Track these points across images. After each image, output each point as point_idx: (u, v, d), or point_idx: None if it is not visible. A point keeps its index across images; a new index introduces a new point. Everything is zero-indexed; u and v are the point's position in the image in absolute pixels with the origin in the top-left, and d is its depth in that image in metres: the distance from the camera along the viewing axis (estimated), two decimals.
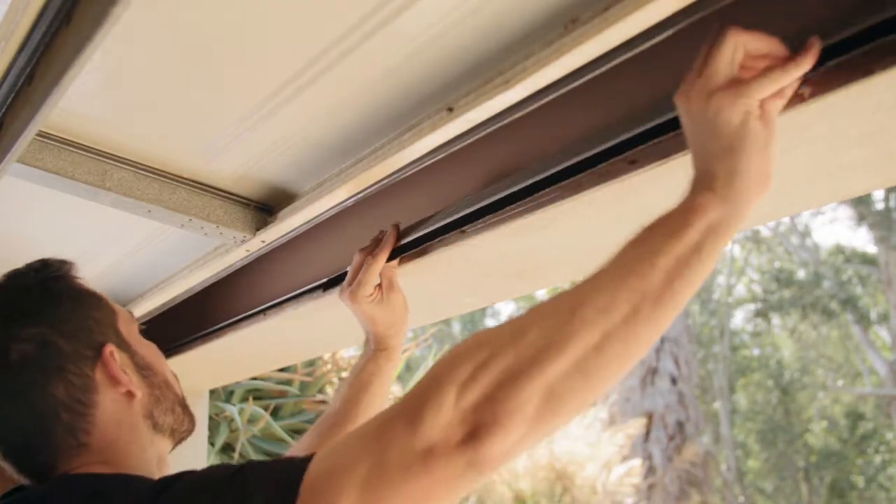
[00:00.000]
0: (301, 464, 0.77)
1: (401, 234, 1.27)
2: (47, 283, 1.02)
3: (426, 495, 0.73)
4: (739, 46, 0.75)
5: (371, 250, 1.26)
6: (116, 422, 0.98)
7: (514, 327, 0.77)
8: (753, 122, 0.75)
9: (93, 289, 1.08)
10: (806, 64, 0.75)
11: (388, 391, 1.32)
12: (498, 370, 0.73)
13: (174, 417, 1.05)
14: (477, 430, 0.72)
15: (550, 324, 0.74)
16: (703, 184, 0.76)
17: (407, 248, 1.28)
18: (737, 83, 0.75)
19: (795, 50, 0.76)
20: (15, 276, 1.04)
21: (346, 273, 1.31)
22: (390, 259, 1.26)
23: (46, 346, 0.95)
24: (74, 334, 0.98)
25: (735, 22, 0.77)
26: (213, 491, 0.78)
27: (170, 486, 0.80)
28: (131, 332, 1.07)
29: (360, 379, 1.29)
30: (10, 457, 0.96)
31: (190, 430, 1.09)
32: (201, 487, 0.79)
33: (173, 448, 1.08)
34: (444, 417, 0.73)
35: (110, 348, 0.99)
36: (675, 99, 0.79)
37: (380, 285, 1.26)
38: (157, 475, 0.99)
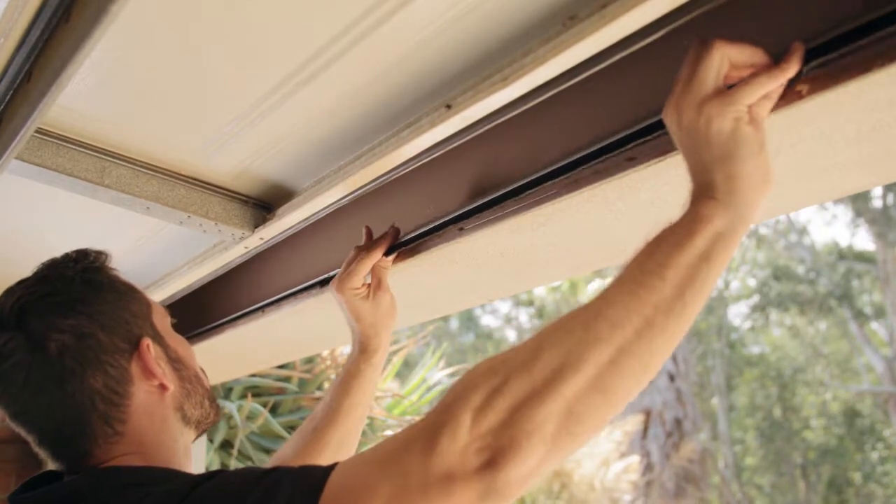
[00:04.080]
0: (324, 473, 0.78)
1: (399, 236, 1.28)
2: (87, 273, 1.04)
3: None
4: (725, 58, 0.76)
5: (366, 247, 1.27)
6: (149, 413, 1.00)
7: (527, 349, 0.76)
8: (744, 126, 0.75)
9: (129, 281, 1.09)
10: (791, 70, 0.76)
11: (371, 396, 1.32)
12: (512, 394, 0.73)
13: (202, 411, 1.08)
14: (495, 455, 0.72)
15: (564, 343, 0.75)
16: (705, 193, 0.76)
17: (402, 247, 1.28)
18: (723, 92, 0.76)
19: (779, 55, 0.77)
20: (55, 266, 1.05)
21: None
22: (386, 256, 1.27)
23: (85, 337, 0.97)
24: (112, 327, 1.00)
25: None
26: (242, 489, 0.80)
27: (204, 482, 0.83)
28: (165, 326, 1.08)
29: (343, 383, 1.29)
30: (46, 444, 0.98)
31: (214, 422, 1.12)
32: (232, 485, 0.82)
33: (196, 438, 1.10)
34: (460, 443, 0.73)
35: (147, 342, 1.02)
36: (665, 114, 0.80)
37: (369, 283, 1.28)
38: (184, 465, 1.02)
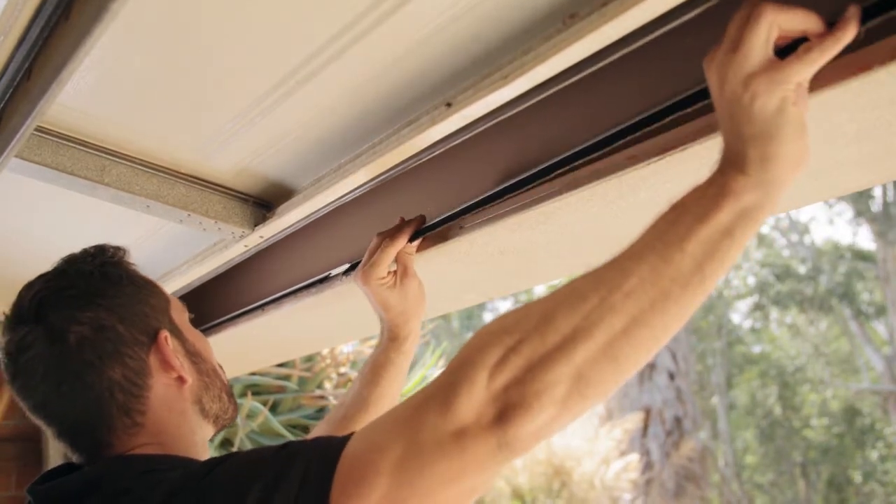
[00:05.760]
0: (340, 443, 0.79)
1: (424, 222, 1.26)
2: (105, 267, 1.04)
3: (458, 475, 0.75)
4: (775, 26, 0.72)
5: (390, 234, 1.25)
6: (168, 406, 1.01)
7: (542, 311, 0.77)
8: (790, 107, 0.72)
9: (147, 275, 1.10)
10: (846, 37, 0.72)
11: (401, 384, 1.30)
12: (525, 355, 0.75)
13: (220, 405, 1.08)
14: (506, 410, 0.74)
15: (578, 309, 0.75)
16: (735, 166, 0.74)
17: (427, 232, 1.26)
18: (772, 66, 0.72)
19: (831, 21, 0.72)
20: (73, 260, 1.06)
21: None
22: (411, 241, 1.25)
23: (104, 329, 0.98)
24: (131, 319, 1.01)
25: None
26: (259, 466, 0.81)
27: (220, 464, 0.84)
28: (183, 320, 1.09)
29: (372, 371, 1.28)
30: (65, 435, 0.98)
31: (233, 418, 1.12)
32: (249, 464, 0.83)
33: (215, 434, 1.11)
34: (477, 398, 0.75)
35: (165, 334, 1.02)
36: (706, 70, 0.76)
37: (395, 271, 1.26)
38: (202, 458, 1.01)
